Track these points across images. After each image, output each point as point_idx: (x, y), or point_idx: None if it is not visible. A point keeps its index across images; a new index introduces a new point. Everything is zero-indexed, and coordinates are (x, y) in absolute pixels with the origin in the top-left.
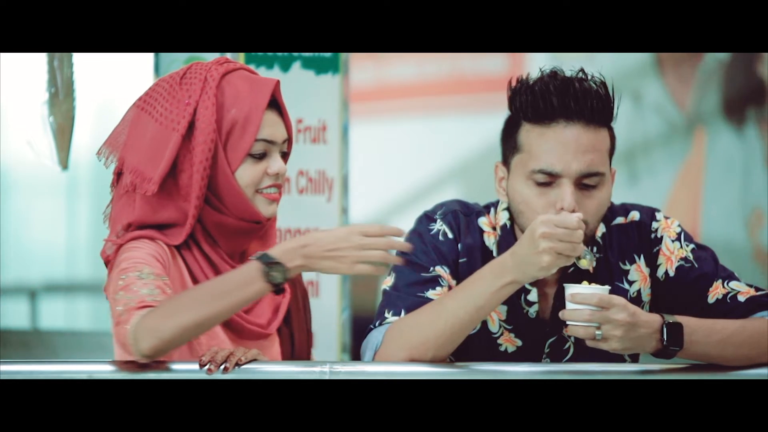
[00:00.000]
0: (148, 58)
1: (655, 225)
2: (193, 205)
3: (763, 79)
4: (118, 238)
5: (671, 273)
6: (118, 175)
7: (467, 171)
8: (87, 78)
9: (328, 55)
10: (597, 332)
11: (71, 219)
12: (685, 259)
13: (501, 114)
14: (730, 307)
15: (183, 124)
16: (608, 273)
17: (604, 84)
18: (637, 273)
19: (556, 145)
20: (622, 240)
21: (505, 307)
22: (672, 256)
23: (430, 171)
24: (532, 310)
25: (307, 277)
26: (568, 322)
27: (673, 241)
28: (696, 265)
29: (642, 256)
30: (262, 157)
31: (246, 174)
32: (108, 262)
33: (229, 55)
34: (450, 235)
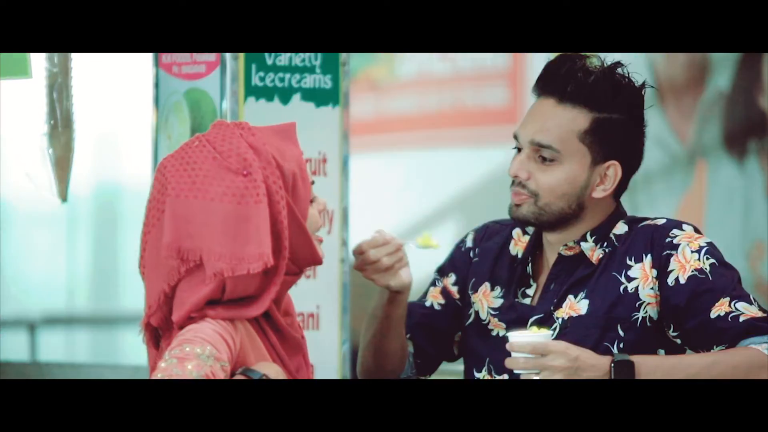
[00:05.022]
0: (148, 90)
1: (676, 232)
2: (282, 271)
3: (764, 112)
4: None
5: (682, 280)
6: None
7: (468, 203)
8: (86, 110)
9: (328, 87)
10: (535, 378)
11: (71, 251)
12: (700, 270)
13: (502, 146)
14: (726, 326)
15: (262, 192)
16: (611, 264)
17: (609, 72)
18: (640, 271)
19: (527, 114)
20: (637, 238)
21: (500, 300)
22: (687, 264)
23: (431, 203)
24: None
25: (307, 309)
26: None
27: (692, 251)
28: (710, 278)
29: (650, 256)
30: (312, 199)
31: (311, 221)
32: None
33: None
34: (469, 244)
